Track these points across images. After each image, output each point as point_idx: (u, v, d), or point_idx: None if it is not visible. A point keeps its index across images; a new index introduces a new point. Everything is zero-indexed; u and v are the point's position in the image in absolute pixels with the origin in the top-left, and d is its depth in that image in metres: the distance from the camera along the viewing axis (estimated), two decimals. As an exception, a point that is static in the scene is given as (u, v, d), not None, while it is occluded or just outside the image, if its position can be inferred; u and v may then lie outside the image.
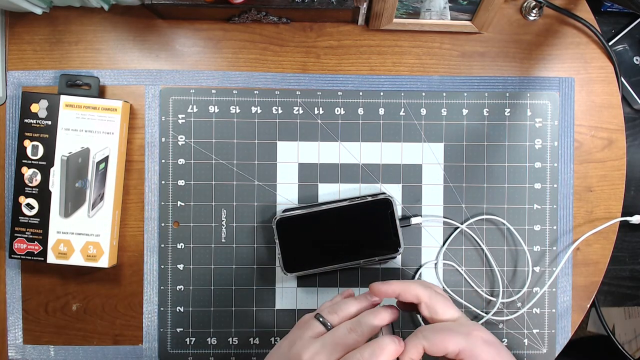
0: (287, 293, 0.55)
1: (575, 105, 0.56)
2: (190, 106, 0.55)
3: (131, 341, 0.55)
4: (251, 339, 0.55)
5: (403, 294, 0.41)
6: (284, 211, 0.52)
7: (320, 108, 0.55)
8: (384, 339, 0.37)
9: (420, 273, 0.55)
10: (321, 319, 0.40)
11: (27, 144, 0.51)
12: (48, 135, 0.51)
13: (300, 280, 0.55)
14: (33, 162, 0.51)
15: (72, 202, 0.51)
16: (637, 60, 0.58)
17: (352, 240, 0.52)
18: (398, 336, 0.38)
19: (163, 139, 0.55)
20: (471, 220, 0.55)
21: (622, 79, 0.57)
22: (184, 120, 0.55)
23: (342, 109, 0.55)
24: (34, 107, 0.51)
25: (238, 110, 0.55)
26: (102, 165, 0.52)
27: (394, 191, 0.55)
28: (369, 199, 0.52)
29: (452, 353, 0.37)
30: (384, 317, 0.40)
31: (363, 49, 0.55)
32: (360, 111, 0.55)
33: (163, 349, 0.55)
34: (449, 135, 0.55)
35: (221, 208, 0.55)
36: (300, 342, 0.38)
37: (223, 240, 0.55)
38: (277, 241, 0.52)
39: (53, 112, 0.51)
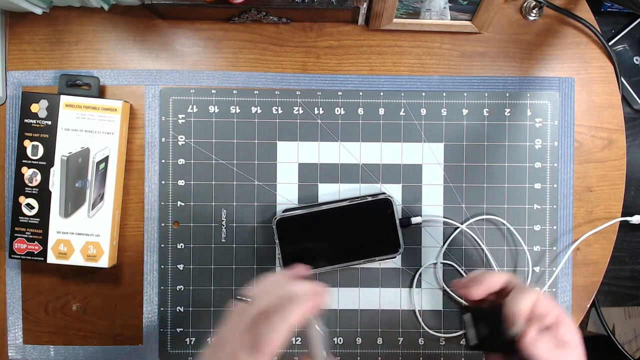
0: (287, 293, 0.55)
1: (575, 105, 0.56)
2: (190, 106, 0.55)
3: (131, 341, 0.55)
4: (251, 339, 0.55)
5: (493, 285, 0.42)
6: (284, 211, 0.52)
7: (320, 108, 0.55)
8: (294, 292, 0.37)
9: (420, 273, 0.55)
10: (240, 297, 0.40)
11: (27, 144, 0.51)
12: (48, 135, 0.51)
13: (300, 280, 0.55)
14: (33, 162, 0.51)
15: (72, 202, 0.51)
16: (637, 60, 0.58)
17: (352, 241, 0.52)
18: (319, 286, 0.39)
19: (163, 139, 0.55)
20: (471, 221, 0.55)
21: (622, 79, 0.57)
22: (184, 120, 0.55)
23: (342, 109, 0.55)
24: (34, 107, 0.51)
25: (238, 110, 0.55)
26: (102, 165, 0.52)
27: (394, 191, 0.55)
28: (369, 199, 0.52)
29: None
30: (299, 283, 0.40)
31: (363, 49, 0.55)
32: (360, 111, 0.55)
33: (163, 349, 0.55)
34: (449, 135, 0.55)
35: (221, 208, 0.55)
36: (224, 326, 0.39)
37: (223, 240, 0.55)
38: (277, 241, 0.52)
39: (53, 112, 0.51)
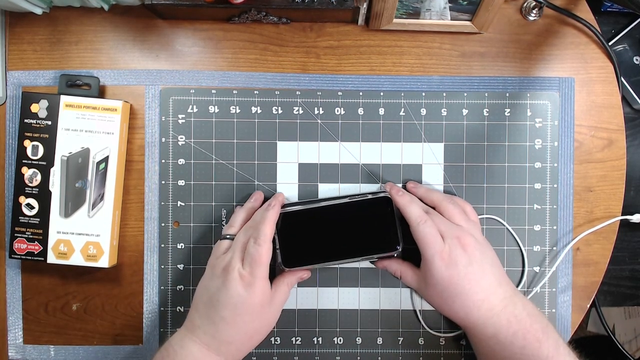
0: (287, 293, 0.55)
1: (575, 105, 0.56)
2: (190, 106, 0.55)
3: (131, 341, 0.55)
4: (251, 339, 0.55)
5: (424, 197, 0.52)
6: (284, 206, 0.52)
7: (320, 108, 0.55)
8: (258, 212, 0.50)
9: (420, 273, 0.55)
10: (227, 236, 0.50)
11: (27, 144, 0.51)
12: (48, 136, 0.51)
13: (300, 280, 0.55)
14: (33, 162, 0.51)
15: (72, 202, 0.51)
16: (637, 60, 0.58)
17: (351, 237, 0.52)
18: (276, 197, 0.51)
19: (163, 139, 0.55)
20: (471, 220, 0.55)
21: (622, 79, 0.57)
22: (184, 120, 0.55)
23: (342, 109, 0.55)
24: (34, 107, 0.51)
25: (238, 110, 0.55)
26: (102, 165, 0.52)
27: (394, 191, 0.55)
28: (369, 196, 0.52)
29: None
30: (268, 209, 0.49)
31: (363, 49, 0.55)
32: (360, 111, 0.55)
33: (163, 349, 0.55)
34: (449, 135, 0.55)
35: (221, 208, 0.55)
36: (216, 260, 0.48)
37: (223, 240, 0.55)
38: (276, 237, 0.52)
39: (53, 112, 0.51)
